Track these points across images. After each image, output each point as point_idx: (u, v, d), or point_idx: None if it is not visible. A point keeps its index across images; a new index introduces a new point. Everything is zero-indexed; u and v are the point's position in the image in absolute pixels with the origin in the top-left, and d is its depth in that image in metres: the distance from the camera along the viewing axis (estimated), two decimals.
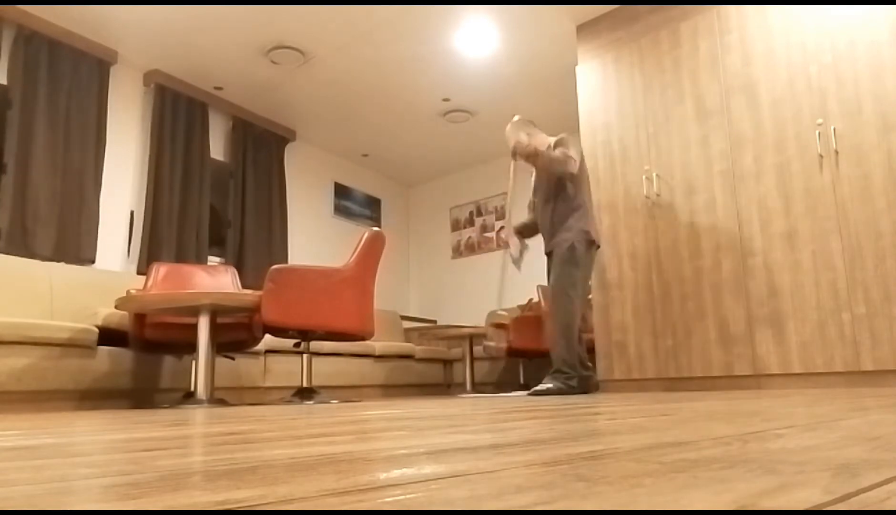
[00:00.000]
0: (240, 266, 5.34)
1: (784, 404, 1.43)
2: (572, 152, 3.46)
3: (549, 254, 3.58)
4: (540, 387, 3.32)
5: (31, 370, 3.13)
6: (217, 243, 5.37)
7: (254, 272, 5.32)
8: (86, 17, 4.34)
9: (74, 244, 4.30)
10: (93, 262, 4.39)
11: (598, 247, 3.61)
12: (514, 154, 3.63)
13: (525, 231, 3.86)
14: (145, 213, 4.75)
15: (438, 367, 5.92)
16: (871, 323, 3.02)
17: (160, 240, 4.77)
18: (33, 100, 4.22)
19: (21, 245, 4.03)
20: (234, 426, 1.20)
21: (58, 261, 4.14)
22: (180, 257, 4.87)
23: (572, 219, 3.50)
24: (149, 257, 4.66)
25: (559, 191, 3.54)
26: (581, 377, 3.36)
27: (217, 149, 5.48)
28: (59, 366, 3.24)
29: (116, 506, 0.35)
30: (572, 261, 3.44)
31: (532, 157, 3.56)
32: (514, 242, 3.76)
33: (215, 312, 3.34)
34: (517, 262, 3.72)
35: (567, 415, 1.23)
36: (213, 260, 5.27)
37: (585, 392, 3.36)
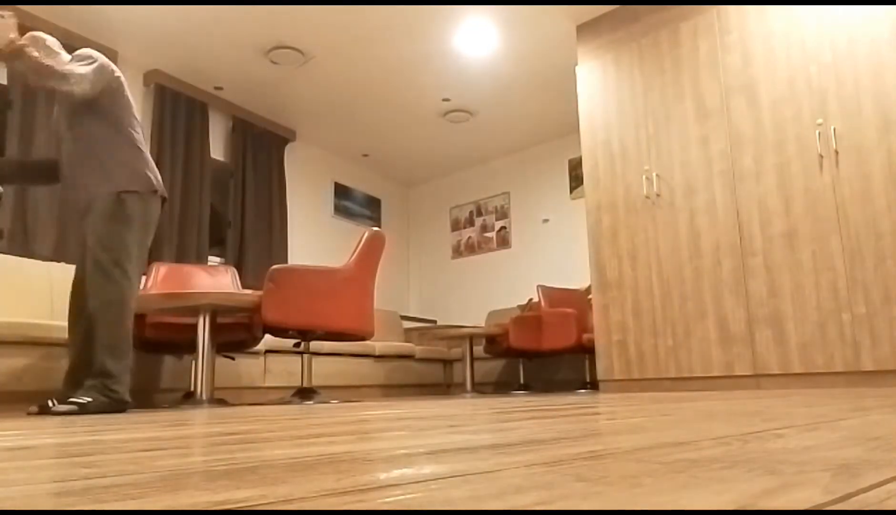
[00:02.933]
0: (240, 266, 5.33)
1: (784, 404, 1.43)
2: (83, 70, 2.52)
3: (84, 209, 2.66)
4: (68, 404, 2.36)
5: (31, 370, 3.13)
6: (217, 244, 5.36)
7: (254, 272, 5.32)
8: (86, 17, 4.34)
9: (75, 244, 4.29)
10: None
11: (165, 201, 2.80)
12: None
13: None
14: None
15: (438, 367, 5.92)
16: (871, 323, 3.02)
17: (161, 240, 4.77)
18: (33, 100, 4.22)
19: (22, 245, 4.03)
20: (234, 426, 1.20)
21: (59, 261, 4.14)
22: (181, 258, 4.87)
23: (121, 155, 2.64)
24: (149, 257, 4.66)
25: (89, 114, 2.64)
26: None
27: (217, 149, 5.48)
28: (59, 366, 3.24)
29: (116, 506, 0.35)
30: (121, 218, 2.59)
31: (15, 56, 2.44)
32: None
33: (215, 312, 3.34)
34: None
35: (567, 415, 1.23)
36: (214, 260, 5.27)
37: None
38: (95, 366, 2.47)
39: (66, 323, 3.32)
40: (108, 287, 2.52)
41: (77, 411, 2.33)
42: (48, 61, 2.47)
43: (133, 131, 2.73)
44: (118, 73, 2.73)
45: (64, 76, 2.46)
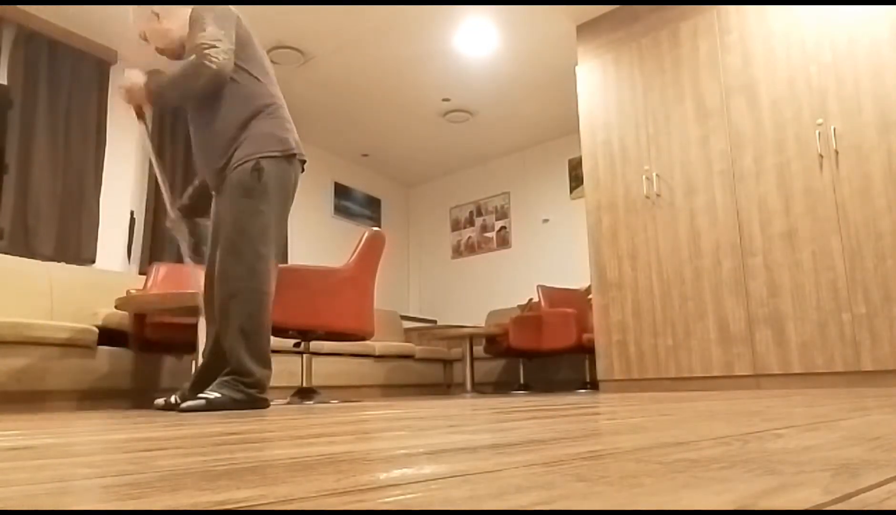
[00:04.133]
0: None
1: (784, 404, 1.43)
2: (214, 31, 2.30)
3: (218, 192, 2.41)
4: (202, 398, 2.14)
5: (31, 370, 3.13)
6: None
7: None
8: (86, 17, 4.34)
9: (75, 244, 4.30)
10: (93, 262, 4.39)
11: (305, 163, 2.46)
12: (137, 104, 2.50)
13: (195, 206, 2.65)
14: (147, 213, 4.76)
15: (438, 367, 5.92)
16: (871, 323, 3.02)
17: (163, 240, 4.77)
18: (34, 100, 4.22)
19: (23, 245, 4.03)
20: (234, 426, 1.20)
21: (59, 261, 4.14)
22: (182, 258, 4.86)
23: (255, 123, 2.34)
24: (151, 257, 4.66)
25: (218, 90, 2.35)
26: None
27: None
28: (59, 366, 3.24)
29: (116, 506, 0.35)
30: (256, 191, 2.28)
31: (150, 99, 2.37)
32: (180, 229, 2.61)
33: None
34: (193, 253, 2.63)
35: (567, 415, 1.23)
36: None
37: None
38: (230, 362, 2.21)
39: (65, 323, 3.33)
40: (238, 271, 2.24)
41: (204, 407, 2.09)
42: (172, 78, 2.30)
43: (262, 85, 2.40)
44: (242, 18, 2.40)
45: (196, 69, 2.22)
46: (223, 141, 2.34)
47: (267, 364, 2.27)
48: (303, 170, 2.50)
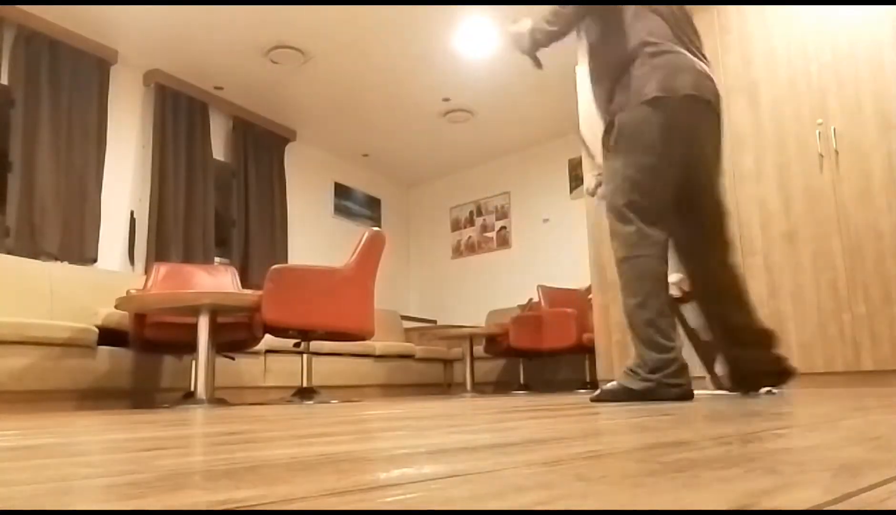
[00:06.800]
0: (246, 266, 5.34)
1: (784, 404, 1.43)
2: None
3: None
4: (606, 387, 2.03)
5: (31, 370, 3.13)
6: (220, 244, 5.36)
7: (259, 272, 5.32)
8: (86, 17, 4.34)
9: (78, 243, 4.30)
10: (95, 261, 4.39)
11: (691, 97, 2.00)
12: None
13: None
14: (150, 213, 4.76)
15: (438, 367, 5.92)
16: (871, 323, 3.02)
17: (167, 240, 4.77)
18: (35, 100, 4.22)
19: (29, 243, 4.03)
20: (234, 426, 1.20)
21: (63, 260, 4.14)
22: (188, 258, 4.86)
23: (626, 78, 2.06)
24: (157, 256, 4.66)
25: (592, 47, 2.21)
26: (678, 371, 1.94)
27: (218, 149, 5.48)
28: (59, 366, 3.24)
29: (116, 506, 0.35)
30: (611, 149, 2.10)
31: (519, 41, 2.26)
32: (588, 167, 2.33)
33: (215, 312, 3.34)
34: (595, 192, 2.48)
35: (567, 415, 1.23)
36: (219, 260, 5.27)
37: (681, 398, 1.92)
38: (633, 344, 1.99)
39: (66, 323, 3.33)
40: (617, 239, 2.02)
41: (605, 397, 1.96)
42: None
43: (626, 26, 2.10)
44: None
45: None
46: None
47: (660, 347, 1.99)
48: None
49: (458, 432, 0.87)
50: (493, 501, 0.33)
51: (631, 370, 1.95)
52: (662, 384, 1.90)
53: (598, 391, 2.02)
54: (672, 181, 2.03)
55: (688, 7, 2.37)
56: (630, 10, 2.10)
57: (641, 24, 2.08)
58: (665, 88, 1.98)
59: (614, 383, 1.98)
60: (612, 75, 2.11)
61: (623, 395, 1.92)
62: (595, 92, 2.21)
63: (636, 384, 1.92)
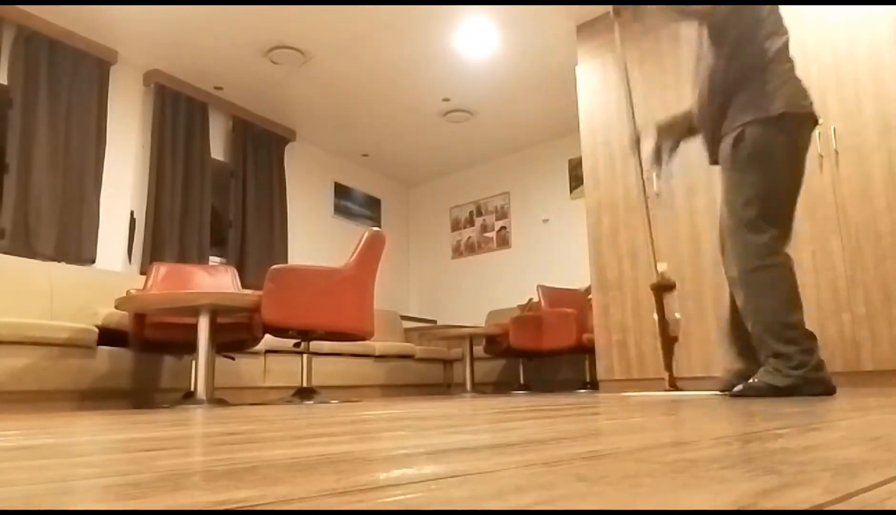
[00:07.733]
0: (242, 266, 5.33)
1: (784, 404, 1.43)
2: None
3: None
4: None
5: (31, 370, 3.13)
6: (218, 244, 5.36)
7: (255, 272, 5.32)
8: (86, 17, 4.34)
9: (76, 244, 4.30)
10: (93, 262, 4.39)
11: (815, 123, 2.16)
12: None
13: (671, 130, 2.55)
14: (147, 213, 4.76)
15: (438, 367, 5.92)
16: (871, 323, 3.02)
17: (163, 240, 4.77)
18: (34, 100, 4.22)
19: (24, 245, 4.03)
20: (234, 426, 1.20)
21: (59, 261, 4.14)
22: (183, 258, 4.86)
23: (748, 87, 2.16)
24: (152, 257, 4.66)
25: (717, 48, 2.24)
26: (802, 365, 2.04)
27: (217, 149, 5.48)
28: (59, 366, 3.24)
29: (116, 506, 0.35)
30: (740, 162, 2.14)
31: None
32: (646, 149, 2.57)
33: (215, 312, 3.34)
34: (660, 174, 2.38)
35: (567, 415, 1.23)
36: (215, 260, 5.27)
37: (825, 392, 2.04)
38: (764, 347, 2.09)
39: (65, 323, 3.33)
40: (747, 249, 2.10)
41: (749, 393, 2.03)
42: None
43: (757, 42, 2.22)
44: None
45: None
46: None
47: (797, 341, 2.11)
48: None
49: (458, 432, 0.87)
50: (493, 501, 0.33)
51: (774, 368, 2.03)
52: (806, 380, 2.01)
53: (739, 387, 2.08)
54: (796, 193, 2.17)
55: None
56: (765, 13, 2.30)
57: (777, 34, 2.29)
58: (793, 103, 2.12)
59: (755, 379, 2.06)
60: (744, 76, 2.19)
61: (768, 392, 2.00)
62: (713, 88, 2.25)
63: (781, 381, 2.00)
